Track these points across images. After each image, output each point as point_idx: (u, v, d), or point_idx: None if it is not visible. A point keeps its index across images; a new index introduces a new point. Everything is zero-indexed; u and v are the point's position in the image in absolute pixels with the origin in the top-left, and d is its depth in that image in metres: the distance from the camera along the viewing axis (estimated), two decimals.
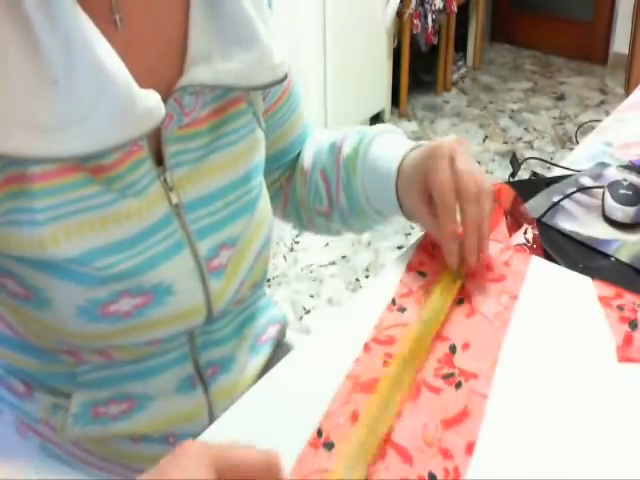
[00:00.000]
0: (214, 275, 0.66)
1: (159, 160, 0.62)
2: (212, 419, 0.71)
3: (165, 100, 0.60)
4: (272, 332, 0.82)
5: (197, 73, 0.62)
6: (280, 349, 0.87)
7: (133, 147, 0.59)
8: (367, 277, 2.21)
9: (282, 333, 0.86)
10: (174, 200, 0.63)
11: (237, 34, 0.64)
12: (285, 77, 0.69)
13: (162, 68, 0.63)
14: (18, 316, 0.63)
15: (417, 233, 2.24)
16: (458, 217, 0.69)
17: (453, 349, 0.65)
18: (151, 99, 0.57)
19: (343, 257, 2.30)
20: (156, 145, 0.62)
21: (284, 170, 0.86)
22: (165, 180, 0.62)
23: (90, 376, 0.66)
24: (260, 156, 0.71)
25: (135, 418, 0.68)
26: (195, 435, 0.59)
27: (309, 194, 0.84)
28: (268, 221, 0.73)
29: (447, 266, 0.72)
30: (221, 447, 0.42)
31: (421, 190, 0.71)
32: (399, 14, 2.89)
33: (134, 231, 0.60)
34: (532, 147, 2.96)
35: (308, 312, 2.08)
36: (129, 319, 0.61)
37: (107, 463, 0.72)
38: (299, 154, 0.86)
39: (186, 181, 0.64)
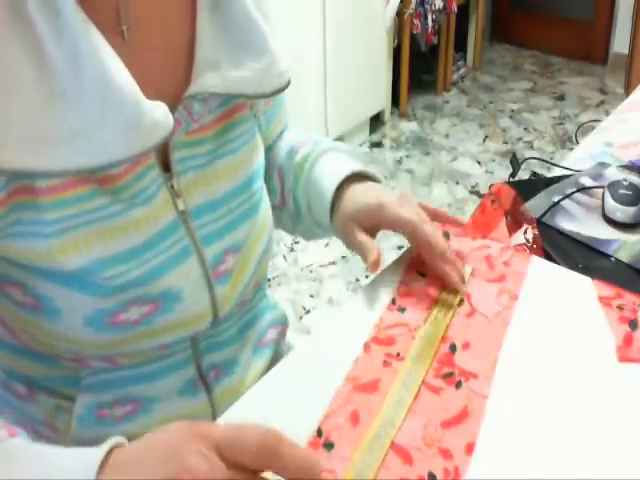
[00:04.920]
0: (220, 281, 0.66)
1: (166, 167, 0.62)
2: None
3: (173, 107, 0.59)
4: (273, 334, 0.82)
5: (207, 81, 0.61)
6: (280, 349, 0.87)
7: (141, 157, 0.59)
8: (367, 277, 2.21)
9: (283, 335, 0.86)
10: (181, 207, 0.63)
11: (246, 41, 0.64)
12: (288, 84, 0.69)
13: (170, 77, 0.62)
14: (24, 325, 0.62)
15: None
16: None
17: (453, 348, 0.65)
18: (159, 111, 0.57)
19: (343, 257, 2.29)
20: (163, 151, 0.61)
21: None
22: (172, 187, 0.62)
23: (94, 379, 0.66)
24: (260, 160, 0.72)
25: (139, 420, 0.68)
26: None
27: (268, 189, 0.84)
28: (269, 224, 0.74)
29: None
30: (220, 428, 0.43)
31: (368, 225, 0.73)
32: (399, 14, 2.89)
33: (142, 239, 0.60)
34: (532, 147, 2.96)
35: (308, 312, 2.08)
36: (137, 327, 0.61)
37: None
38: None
39: (192, 187, 0.64)
